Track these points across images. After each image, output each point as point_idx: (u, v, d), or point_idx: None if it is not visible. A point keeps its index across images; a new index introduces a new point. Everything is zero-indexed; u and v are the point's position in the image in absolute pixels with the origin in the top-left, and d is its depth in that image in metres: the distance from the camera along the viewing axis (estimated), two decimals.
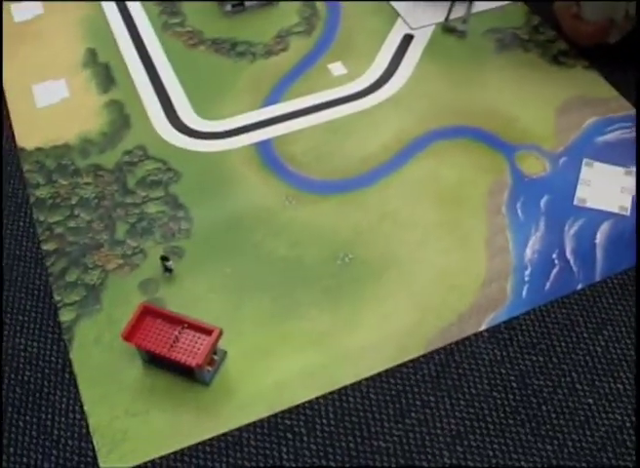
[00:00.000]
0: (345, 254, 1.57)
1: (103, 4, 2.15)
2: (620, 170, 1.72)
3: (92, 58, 1.99)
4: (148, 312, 1.37)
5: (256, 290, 1.51)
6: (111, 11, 2.13)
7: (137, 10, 2.14)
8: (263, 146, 1.77)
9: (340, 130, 1.80)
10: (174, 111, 1.85)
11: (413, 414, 1.35)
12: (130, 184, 1.69)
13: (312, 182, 1.70)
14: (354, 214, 1.63)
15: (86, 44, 2.03)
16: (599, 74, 1.93)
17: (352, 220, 1.62)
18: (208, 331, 1.34)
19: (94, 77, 1.94)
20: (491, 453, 1.31)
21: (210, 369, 1.36)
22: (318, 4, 2.15)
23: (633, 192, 1.67)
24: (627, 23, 1.93)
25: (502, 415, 1.35)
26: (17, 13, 2.13)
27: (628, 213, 1.64)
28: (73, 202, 1.66)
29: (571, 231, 1.60)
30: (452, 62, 1.97)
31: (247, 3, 2.13)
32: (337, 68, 1.95)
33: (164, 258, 1.51)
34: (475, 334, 1.45)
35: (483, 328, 1.46)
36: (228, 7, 2.12)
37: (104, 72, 1.95)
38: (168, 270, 1.52)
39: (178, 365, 1.33)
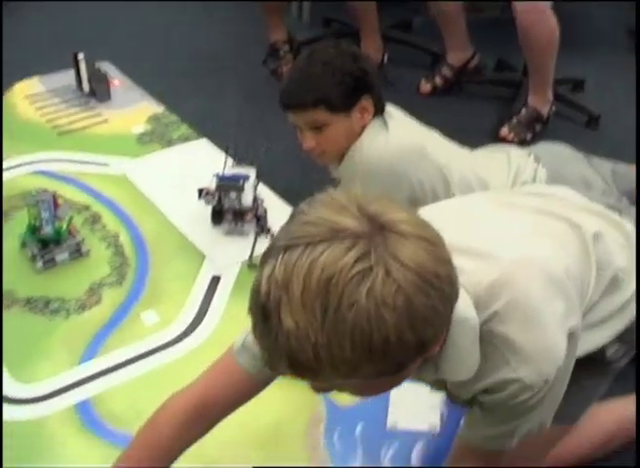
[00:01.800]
0: None
1: None
2: (426, 388, 1.81)
3: None
4: None
5: None
6: None
7: None
8: (82, 407, 1.78)
9: (159, 381, 1.83)
10: None
11: None
12: None
13: None
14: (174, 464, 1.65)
15: None
16: None
17: None
18: None
19: None
20: None
21: None
22: (127, 252, 2.23)
23: (440, 408, 1.76)
24: None
25: None
26: None
27: (438, 429, 1.72)
28: None
29: (387, 456, 1.67)
30: None
31: (58, 258, 2.18)
32: (149, 317, 2.02)
33: None
34: None
35: None
36: (40, 263, 2.17)
37: None
38: None
39: None
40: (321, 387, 1.06)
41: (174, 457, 1.37)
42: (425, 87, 3.27)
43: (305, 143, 1.91)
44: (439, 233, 0.99)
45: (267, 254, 0.96)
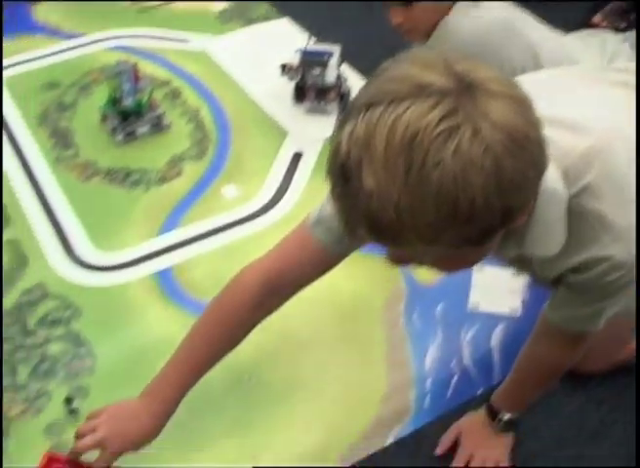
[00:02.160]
0: (250, 377, 1.58)
1: None
2: (508, 272, 1.78)
3: None
4: (53, 461, 1.35)
5: None
6: (4, 148, 2.15)
7: (29, 145, 2.16)
8: (162, 275, 1.79)
9: (238, 253, 1.83)
10: (71, 247, 1.87)
11: None
12: (30, 325, 1.69)
13: None
14: (256, 337, 1.64)
15: None
16: None
17: (254, 342, 1.63)
18: None
19: None
20: None
21: None
22: (208, 127, 2.21)
23: (522, 293, 1.73)
24: None
25: None
26: None
27: (519, 313, 1.70)
28: None
29: (467, 337, 1.65)
30: None
31: (138, 131, 2.17)
32: (230, 191, 2.00)
33: (68, 401, 1.50)
34: (383, 449, 1.47)
35: (390, 441, 1.48)
36: (121, 136, 2.16)
37: None
38: (73, 412, 1.51)
39: None
40: (400, 257, 1.00)
41: (245, 331, 1.36)
42: None
43: (393, 19, 1.85)
44: (528, 96, 0.93)
45: (347, 114, 0.91)
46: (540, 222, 1.08)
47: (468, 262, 1.06)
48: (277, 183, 2.03)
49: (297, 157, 2.10)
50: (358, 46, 2.46)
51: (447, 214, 0.86)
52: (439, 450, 1.46)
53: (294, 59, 2.19)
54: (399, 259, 1.01)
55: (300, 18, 2.71)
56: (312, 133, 2.18)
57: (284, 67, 2.20)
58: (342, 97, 2.20)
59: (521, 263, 1.28)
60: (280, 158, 2.10)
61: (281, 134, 2.18)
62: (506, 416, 1.41)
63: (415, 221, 0.86)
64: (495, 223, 0.90)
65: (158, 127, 2.20)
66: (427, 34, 1.86)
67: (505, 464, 1.43)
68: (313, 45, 2.25)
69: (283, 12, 2.76)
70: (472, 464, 1.42)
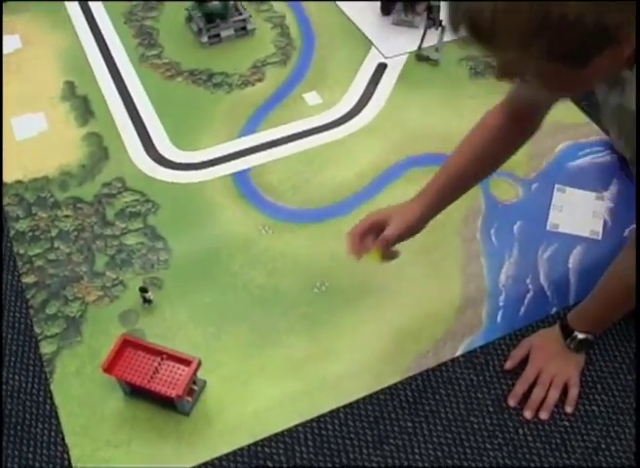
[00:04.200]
0: (322, 283, 1.59)
1: (82, 37, 2.17)
2: (592, 194, 1.75)
3: (70, 91, 2.02)
4: (128, 344, 1.38)
5: (234, 319, 1.53)
6: (89, 44, 2.16)
7: (114, 42, 2.17)
8: (240, 177, 1.79)
9: (316, 159, 1.83)
10: (151, 143, 1.88)
11: (391, 441, 1.36)
12: (109, 216, 1.71)
13: (289, 211, 1.73)
14: (330, 243, 1.65)
15: (65, 77, 2.06)
16: (570, 100, 1.96)
17: (328, 249, 1.64)
18: (187, 362, 1.35)
19: (72, 110, 1.96)
20: None
21: (189, 399, 1.37)
22: (293, 34, 2.19)
23: (604, 216, 1.70)
24: None
25: (480, 440, 1.37)
26: None
27: (600, 237, 1.66)
28: (53, 234, 1.68)
29: (544, 256, 1.63)
30: (426, 91, 2.00)
31: (223, 34, 2.16)
32: (312, 98, 1.98)
33: (143, 290, 1.52)
34: (452, 360, 1.47)
35: (459, 353, 1.48)
36: (205, 38, 2.15)
37: (83, 105, 1.97)
38: (147, 301, 1.53)
39: (158, 396, 1.34)
40: (505, 68, 1.03)
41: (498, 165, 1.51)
42: None
43: None
44: None
45: None
46: None
47: (569, 86, 1.07)
48: (360, 93, 2.00)
49: (381, 68, 2.07)
50: None
51: (537, 20, 0.89)
52: (508, 365, 1.45)
53: None
54: (504, 71, 1.04)
55: None
56: (398, 44, 2.14)
57: None
58: (431, 10, 2.15)
59: (620, 122, 1.29)
60: (364, 68, 2.07)
61: (366, 44, 2.15)
62: (581, 336, 1.40)
63: (508, 24, 0.91)
64: (587, 41, 0.91)
65: (243, 30, 2.19)
66: None
67: (575, 383, 1.42)
68: None
69: None
70: (540, 380, 1.41)
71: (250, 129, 1.91)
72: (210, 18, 2.15)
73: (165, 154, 1.85)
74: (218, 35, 2.17)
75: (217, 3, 2.12)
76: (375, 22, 2.22)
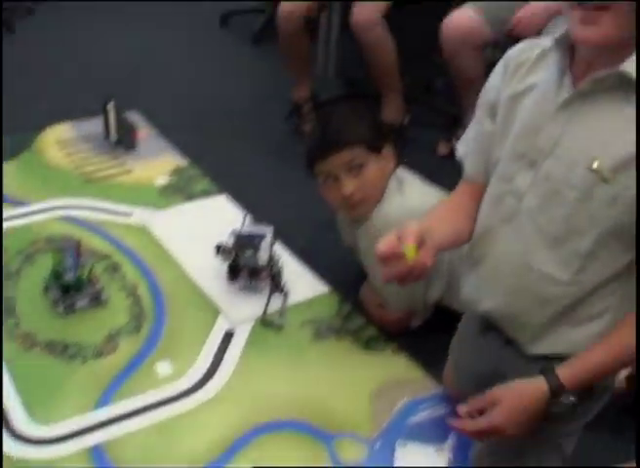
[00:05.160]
0: None
1: None
2: (431, 448, 1.86)
3: None
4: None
5: None
6: None
7: None
8: (95, 452, 1.84)
9: (170, 431, 1.90)
10: (6, 416, 1.91)
11: None
12: None
13: None
14: None
15: None
16: (407, 356, 2.12)
17: None
18: None
19: None
20: None
21: None
22: (145, 303, 2.31)
23: None
24: (427, 310, 2.16)
25: None
26: None
27: None
28: None
29: None
30: (272, 356, 2.14)
31: (77, 304, 2.26)
32: (163, 367, 2.09)
33: None
34: None
35: None
36: (61, 308, 2.24)
37: None
38: None
39: None
40: None
41: None
42: (443, 148, 3.30)
43: (345, 189, 2.02)
44: None
45: None
46: None
47: None
48: (208, 362, 2.11)
49: (228, 336, 2.20)
50: (291, 224, 2.61)
51: None
52: (463, 410, 1.40)
53: (228, 241, 2.31)
54: None
55: (239, 192, 2.87)
56: (245, 311, 2.29)
57: (218, 248, 2.31)
58: (274, 277, 2.32)
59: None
60: (212, 337, 2.20)
61: (215, 311, 2.29)
62: (572, 397, 1.24)
63: None
64: None
65: (97, 300, 2.30)
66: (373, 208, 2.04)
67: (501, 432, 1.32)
68: (248, 226, 2.39)
69: (223, 188, 2.92)
70: (487, 430, 1.34)
71: (104, 401, 1.98)
72: (65, 288, 2.25)
73: (20, 428, 1.89)
74: (72, 305, 2.26)
75: (71, 276, 2.23)
76: (222, 289, 2.37)
